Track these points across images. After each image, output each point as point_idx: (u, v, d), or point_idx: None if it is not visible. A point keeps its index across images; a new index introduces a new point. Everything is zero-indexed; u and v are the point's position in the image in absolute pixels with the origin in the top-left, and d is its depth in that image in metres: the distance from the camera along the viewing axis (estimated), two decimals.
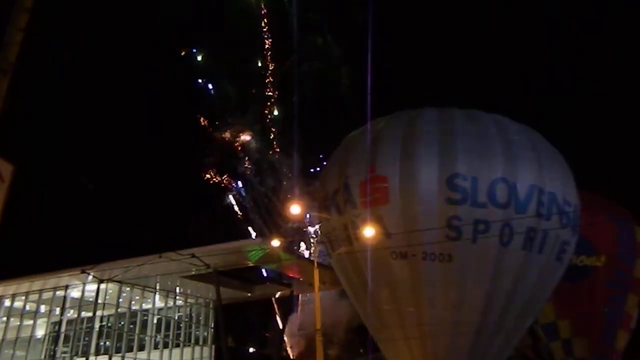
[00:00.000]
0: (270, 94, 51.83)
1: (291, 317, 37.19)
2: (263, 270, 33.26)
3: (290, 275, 33.21)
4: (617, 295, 26.75)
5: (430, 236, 18.69)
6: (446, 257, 19.29)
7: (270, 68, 52.46)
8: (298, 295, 36.64)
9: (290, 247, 31.09)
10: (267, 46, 52.09)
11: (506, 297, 20.36)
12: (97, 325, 32.57)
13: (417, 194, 19.24)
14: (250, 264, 32.09)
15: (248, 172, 50.18)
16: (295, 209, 28.88)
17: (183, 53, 52.13)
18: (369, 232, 19.59)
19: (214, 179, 50.85)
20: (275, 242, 28.98)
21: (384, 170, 19.82)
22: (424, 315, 20.35)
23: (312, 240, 24.68)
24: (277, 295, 36.83)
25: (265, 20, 52.08)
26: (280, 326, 37.87)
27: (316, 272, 21.36)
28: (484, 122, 20.61)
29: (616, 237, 26.55)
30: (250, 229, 49.00)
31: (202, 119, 52.04)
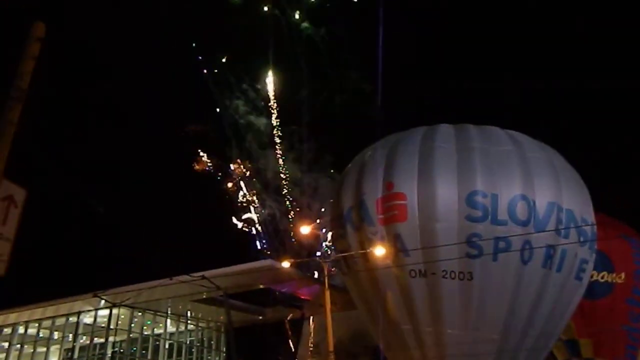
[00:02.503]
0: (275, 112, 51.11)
1: (303, 338, 35.76)
2: (274, 293, 32.21)
3: (302, 297, 32.15)
4: (635, 313, 25.75)
5: (451, 254, 17.68)
6: (467, 275, 18.28)
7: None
8: (309, 317, 35.37)
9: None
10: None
11: (527, 316, 19.31)
12: (109, 351, 31.43)
13: (437, 211, 18.36)
14: (261, 286, 31.09)
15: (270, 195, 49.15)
16: (304, 229, 27.85)
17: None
18: (386, 250, 18.68)
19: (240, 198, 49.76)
20: (286, 264, 27.96)
21: (401, 187, 18.98)
22: (443, 335, 19.26)
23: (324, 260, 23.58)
24: (288, 318, 35.68)
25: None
26: (293, 349, 36.46)
27: (327, 294, 20.37)
28: (500, 138, 19.90)
29: (632, 255, 25.68)
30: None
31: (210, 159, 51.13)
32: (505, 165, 18.90)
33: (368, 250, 19.57)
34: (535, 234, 18.40)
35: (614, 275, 25.05)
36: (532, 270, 18.75)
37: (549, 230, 18.49)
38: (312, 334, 34.82)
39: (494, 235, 18.08)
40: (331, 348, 20.01)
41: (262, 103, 51.03)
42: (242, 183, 49.79)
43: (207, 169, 50.54)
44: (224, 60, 51.12)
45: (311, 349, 34.10)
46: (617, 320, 24.83)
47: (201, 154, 51.22)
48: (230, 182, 50.07)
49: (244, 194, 49.32)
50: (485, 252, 18.04)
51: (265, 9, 50.18)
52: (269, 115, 50.73)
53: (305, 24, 50.51)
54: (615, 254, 24.84)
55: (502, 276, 18.44)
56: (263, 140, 50.18)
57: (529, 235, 18.28)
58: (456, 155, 18.92)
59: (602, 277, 24.61)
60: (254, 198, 48.89)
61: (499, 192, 18.43)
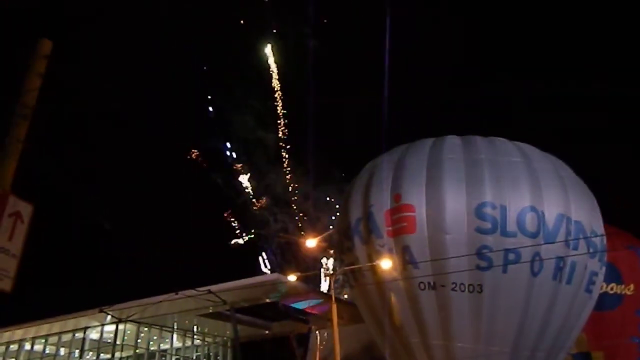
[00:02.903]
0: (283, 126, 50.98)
1: (310, 351, 35.18)
2: (281, 306, 31.83)
3: (308, 311, 31.77)
4: None
5: (460, 266, 17.42)
6: (477, 287, 17.97)
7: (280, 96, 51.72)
8: (317, 330, 34.93)
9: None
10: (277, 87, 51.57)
11: (538, 329, 18.94)
12: None
13: (446, 222, 18.11)
14: (268, 301, 30.78)
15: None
16: (310, 242, 27.61)
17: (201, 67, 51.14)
18: (394, 262, 18.45)
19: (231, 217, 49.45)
20: (292, 277, 27.67)
21: (410, 198, 18.76)
22: (454, 349, 18.89)
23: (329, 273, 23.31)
24: (295, 332, 35.24)
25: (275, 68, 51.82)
26: None
27: (334, 307, 20.09)
28: (508, 150, 19.75)
29: (638, 265, 25.37)
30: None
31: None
32: (513, 176, 18.70)
33: (375, 263, 19.34)
34: (545, 245, 18.16)
35: (623, 286, 24.75)
36: (543, 283, 18.41)
37: (558, 242, 18.23)
38: (320, 345, 34.34)
39: (504, 247, 17.81)
40: None
41: (271, 118, 51.00)
42: (251, 196, 49.67)
43: (216, 181, 50.43)
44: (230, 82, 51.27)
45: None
46: (628, 333, 24.44)
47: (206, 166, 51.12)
48: (239, 196, 49.98)
49: (254, 207, 49.14)
50: (495, 264, 17.77)
51: (274, 31, 50.47)
52: (277, 130, 50.75)
53: (314, 42, 50.74)
54: (623, 265, 24.55)
55: (513, 288, 18.10)
56: (271, 155, 50.09)
57: (538, 247, 18.01)
58: (464, 166, 18.73)
59: (612, 289, 24.30)
60: (264, 212, 48.68)
61: (507, 204, 18.20)
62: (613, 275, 23.70)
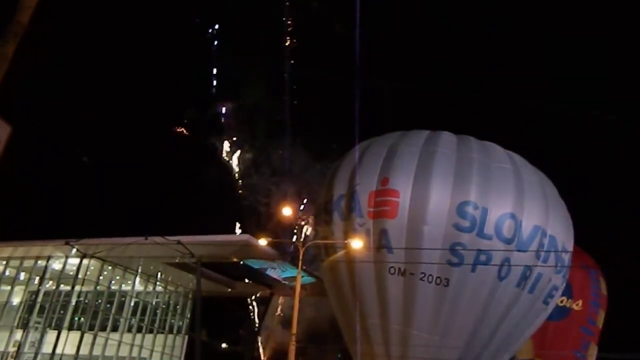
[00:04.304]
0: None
1: (271, 309, 35.37)
2: (246, 268, 31.83)
3: (273, 276, 31.83)
4: (585, 341, 26.19)
5: (432, 258, 17.50)
6: (443, 281, 18.04)
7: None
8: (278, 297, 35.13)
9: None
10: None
11: (491, 330, 19.22)
12: (74, 300, 30.63)
13: (426, 213, 17.95)
14: (235, 260, 30.73)
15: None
16: (287, 210, 27.42)
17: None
18: (368, 244, 18.43)
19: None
20: (262, 241, 27.59)
21: (396, 184, 18.51)
22: (410, 336, 19.06)
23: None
24: (257, 294, 35.39)
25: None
26: (256, 325, 36.22)
27: (299, 277, 20.07)
28: (500, 156, 19.63)
29: (590, 285, 26.08)
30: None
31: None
32: (500, 181, 18.62)
33: (347, 242, 19.23)
34: (516, 252, 18.32)
35: (572, 301, 25.34)
36: (506, 288, 18.58)
37: (530, 251, 18.44)
38: (280, 306, 34.61)
39: (477, 247, 17.85)
40: (294, 331, 19.72)
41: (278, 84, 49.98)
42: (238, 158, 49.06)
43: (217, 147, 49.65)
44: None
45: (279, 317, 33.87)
46: (571, 346, 25.16)
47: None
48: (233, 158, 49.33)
49: (245, 173, 48.58)
50: (465, 262, 17.90)
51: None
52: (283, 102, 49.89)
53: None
54: (576, 281, 24.95)
55: (477, 288, 18.21)
56: (273, 126, 49.28)
57: (508, 253, 18.11)
58: (455, 163, 18.55)
59: (562, 302, 24.75)
60: (259, 182, 48.16)
61: (489, 207, 18.15)
62: (565, 289, 24.03)
